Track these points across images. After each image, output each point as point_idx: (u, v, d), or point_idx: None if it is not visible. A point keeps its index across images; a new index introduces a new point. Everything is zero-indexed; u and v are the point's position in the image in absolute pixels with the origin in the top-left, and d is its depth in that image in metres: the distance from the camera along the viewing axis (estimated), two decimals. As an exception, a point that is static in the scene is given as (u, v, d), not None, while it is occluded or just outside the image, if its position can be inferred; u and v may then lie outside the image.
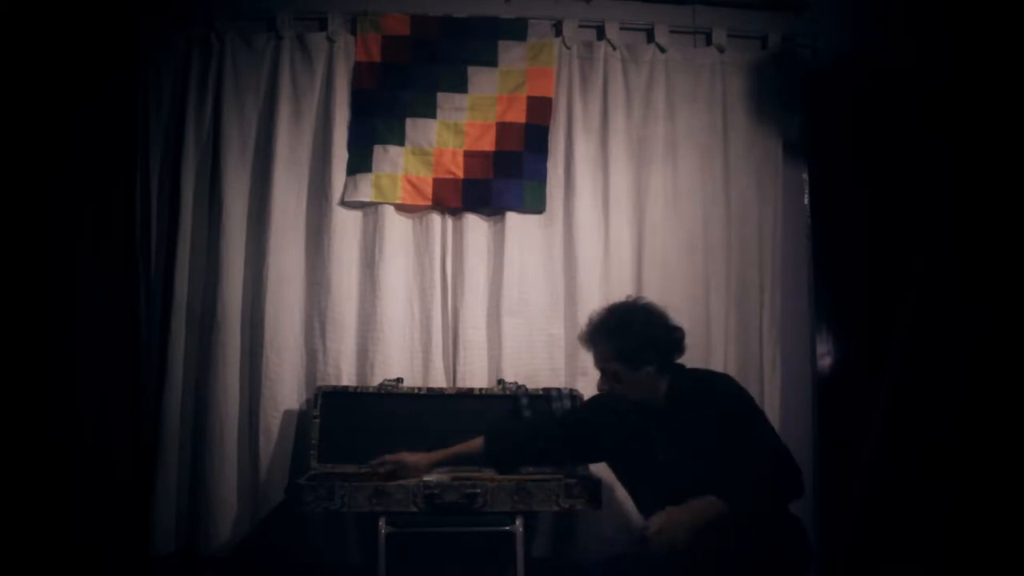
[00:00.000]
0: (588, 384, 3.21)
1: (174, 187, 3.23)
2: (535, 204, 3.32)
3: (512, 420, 3.07)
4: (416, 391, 3.13)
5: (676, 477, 2.34)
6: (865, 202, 3.17)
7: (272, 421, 3.14)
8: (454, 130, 3.34)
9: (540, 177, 3.33)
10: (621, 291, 3.29)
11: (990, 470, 2.42)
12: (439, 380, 3.22)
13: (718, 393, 2.42)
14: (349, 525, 3.07)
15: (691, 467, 2.32)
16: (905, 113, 2.94)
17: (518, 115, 3.35)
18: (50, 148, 2.90)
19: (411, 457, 2.70)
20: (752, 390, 3.31)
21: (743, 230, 3.41)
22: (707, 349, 3.32)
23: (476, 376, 3.23)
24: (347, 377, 3.19)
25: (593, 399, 2.71)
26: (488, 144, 3.34)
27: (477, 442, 2.72)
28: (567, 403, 3.12)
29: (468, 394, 3.14)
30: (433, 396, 3.12)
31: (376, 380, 3.15)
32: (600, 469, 2.92)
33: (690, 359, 3.29)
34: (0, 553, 2.59)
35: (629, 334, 2.44)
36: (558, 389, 3.16)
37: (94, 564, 2.88)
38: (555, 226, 3.33)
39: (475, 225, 3.31)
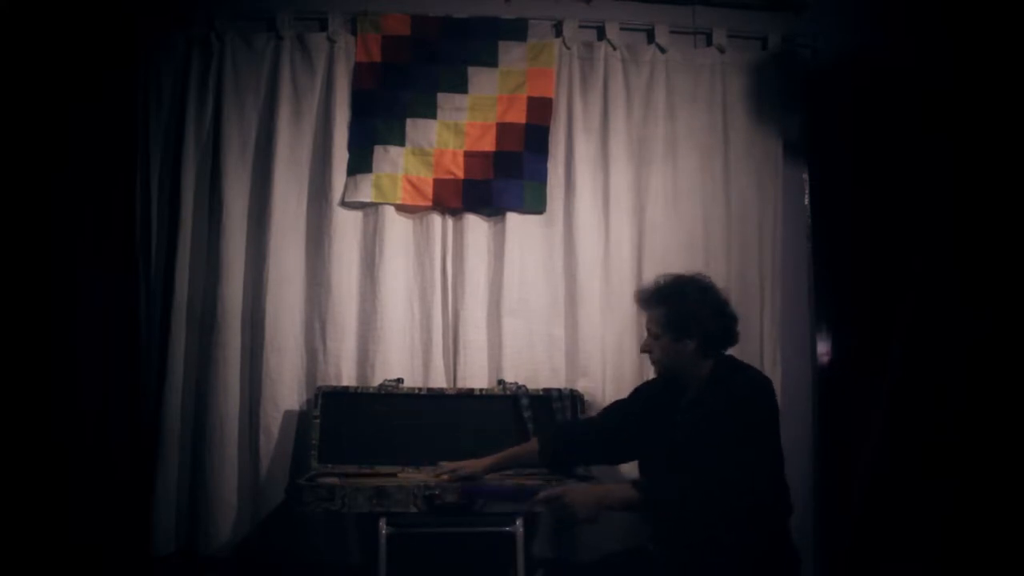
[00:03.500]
0: (588, 384, 3.22)
1: (174, 187, 3.23)
2: (535, 204, 3.32)
3: (564, 420, 3.06)
4: (416, 391, 3.13)
5: (681, 465, 2.35)
6: (865, 202, 3.17)
7: (272, 421, 3.14)
8: (454, 130, 3.34)
9: (540, 177, 3.33)
10: (621, 291, 3.30)
11: (990, 470, 2.42)
12: (439, 380, 3.22)
13: (732, 396, 2.38)
14: (349, 525, 3.07)
15: (695, 459, 2.32)
16: (905, 113, 2.94)
17: (518, 115, 3.35)
18: (50, 148, 2.90)
19: (467, 465, 2.71)
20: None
21: (743, 230, 3.41)
22: (707, 349, 3.32)
23: (476, 376, 3.23)
24: (347, 377, 3.19)
25: (636, 390, 2.73)
26: (488, 144, 3.34)
27: (531, 444, 2.74)
28: (567, 403, 3.12)
29: (468, 394, 3.14)
30: (433, 396, 3.12)
31: (376, 380, 3.15)
32: (600, 470, 2.93)
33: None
34: (0, 553, 2.59)
35: (679, 302, 2.46)
36: (558, 389, 3.17)
37: (94, 564, 2.88)
38: (555, 226, 3.33)
39: (475, 225, 3.31)
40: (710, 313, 2.47)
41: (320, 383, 3.14)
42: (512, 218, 3.30)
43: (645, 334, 2.56)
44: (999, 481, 2.39)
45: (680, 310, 2.45)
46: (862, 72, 3.24)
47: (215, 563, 3.10)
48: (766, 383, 2.43)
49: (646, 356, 2.59)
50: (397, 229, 3.28)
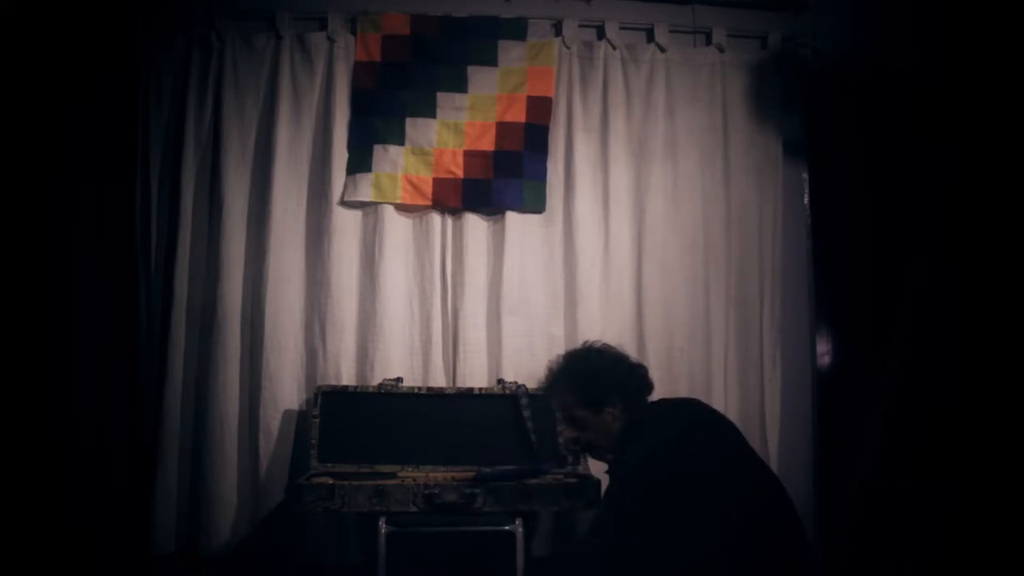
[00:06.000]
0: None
1: (174, 187, 3.23)
2: (535, 204, 3.32)
3: None
4: (416, 391, 3.13)
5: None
6: (865, 202, 3.17)
7: (272, 421, 3.14)
8: (454, 130, 3.34)
9: (540, 177, 3.33)
10: (621, 291, 3.31)
11: (990, 471, 2.41)
12: (439, 380, 3.22)
13: (645, 439, 2.26)
14: (349, 525, 3.07)
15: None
16: (905, 113, 2.94)
17: (518, 115, 3.35)
18: (50, 148, 2.90)
19: None
20: (752, 390, 3.34)
21: (743, 230, 3.41)
22: (707, 349, 3.33)
23: (476, 376, 3.23)
24: (347, 377, 3.19)
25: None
26: (488, 144, 3.34)
27: None
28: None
29: (468, 394, 3.14)
30: (433, 396, 3.12)
31: (376, 380, 3.16)
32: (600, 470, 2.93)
33: (690, 359, 3.31)
34: (0, 553, 2.59)
35: (586, 375, 2.40)
36: (558, 389, 3.16)
37: (94, 564, 2.88)
38: (555, 226, 3.33)
39: (475, 225, 3.31)
40: (622, 373, 2.41)
41: (320, 382, 3.14)
42: (512, 217, 3.30)
43: (565, 428, 2.45)
44: (999, 482, 2.39)
45: (590, 382, 2.38)
46: (862, 72, 3.23)
47: (215, 563, 3.10)
48: (680, 411, 2.34)
49: None
50: (397, 228, 3.28)
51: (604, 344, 2.51)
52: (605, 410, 2.37)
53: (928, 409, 2.63)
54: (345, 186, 3.27)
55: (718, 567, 2.10)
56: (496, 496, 2.65)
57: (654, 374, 2.60)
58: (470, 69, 3.37)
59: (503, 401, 3.12)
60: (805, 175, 3.53)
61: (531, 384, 3.16)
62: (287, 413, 3.17)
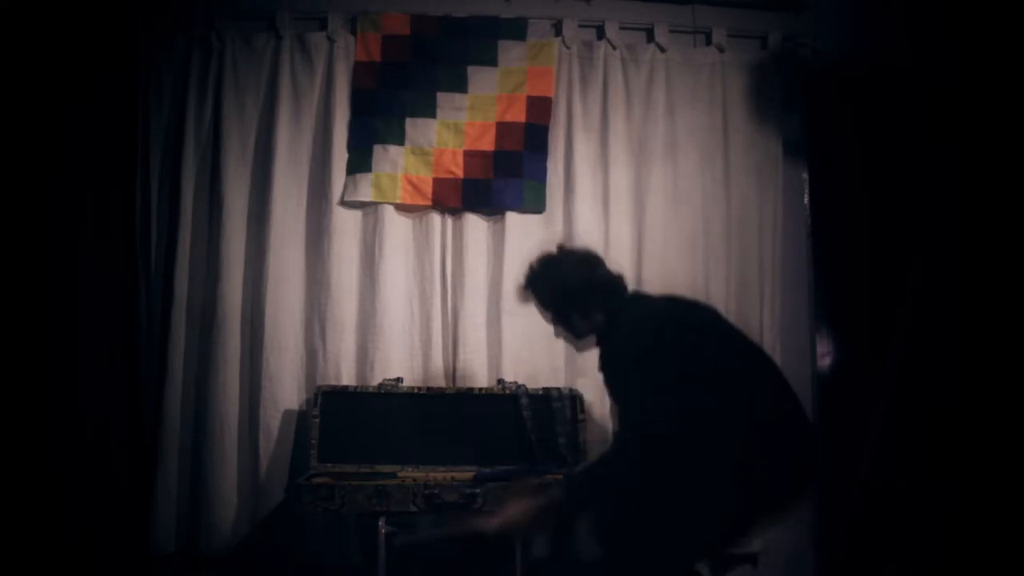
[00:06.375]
0: (588, 384, 3.21)
1: (174, 187, 3.23)
2: (535, 204, 3.32)
3: None
4: (416, 391, 3.13)
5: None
6: (865, 202, 3.16)
7: (272, 421, 3.15)
8: (454, 130, 3.34)
9: (540, 177, 3.33)
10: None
11: (990, 471, 2.41)
12: (439, 380, 3.22)
13: (615, 341, 2.36)
14: (349, 525, 3.07)
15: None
16: (905, 113, 2.93)
17: (518, 115, 3.35)
18: (50, 148, 2.90)
19: None
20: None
21: (743, 230, 3.41)
22: (707, 349, 3.32)
23: (476, 376, 3.23)
24: (347, 377, 3.19)
25: None
26: (488, 144, 3.34)
27: None
28: (567, 403, 3.12)
29: (468, 394, 3.14)
30: (433, 396, 3.12)
31: (376, 380, 3.16)
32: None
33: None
34: (0, 553, 2.59)
35: (564, 286, 2.45)
36: (558, 389, 3.17)
37: (94, 564, 2.88)
38: (555, 226, 3.33)
39: (475, 225, 3.31)
40: (594, 276, 2.46)
41: (320, 382, 3.14)
42: (512, 217, 3.30)
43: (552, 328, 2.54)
44: (1000, 482, 2.39)
45: (569, 291, 2.44)
46: (862, 72, 3.23)
47: (215, 563, 3.11)
48: (648, 313, 2.41)
49: None
50: (397, 228, 3.28)
51: (583, 247, 2.57)
52: (590, 314, 2.43)
53: (928, 409, 2.63)
54: (345, 186, 3.27)
55: (716, 421, 2.20)
56: (496, 496, 2.65)
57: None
58: (470, 69, 3.37)
59: (503, 401, 3.12)
60: (805, 175, 3.52)
61: (531, 384, 3.16)
62: (287, 413, 3.17)
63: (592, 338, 2.48)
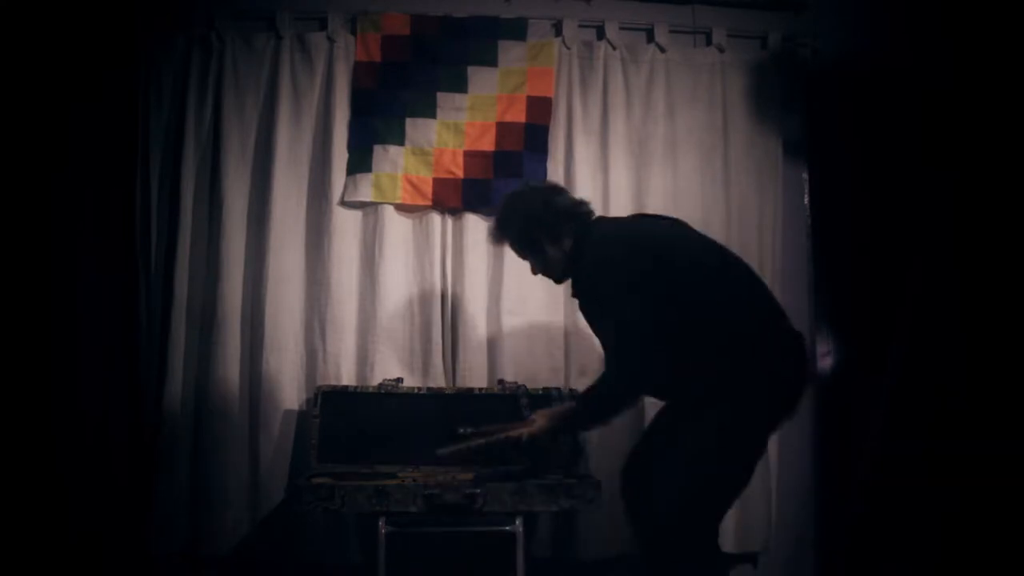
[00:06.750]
0: (588, 384, 3.20)
1: (174, 187, 3.23)
2: (535, 204, 3.31)
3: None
4: (416, 391, 3.12)
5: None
6: (865, 202, 3.17)
7: (272, 421, 3.14)
8: (454, 130, 3.34)
9: (540, 177, 3.33)
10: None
11: (990, 471, 2.42)
12: (439, 380, 3.22)
13: (585, 264, 2.42)
14: (349, 525, 3.07)
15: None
16: (905, 113, 2.94)
17: (518, 115, 3.35)
18: (50, 148, 2.90)
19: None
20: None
21: (743, 230, 3.41)
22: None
23: (476, 376, 3.23)
24: (347, 377, 3.19)
25: None
26: (488, 144, 3.34)
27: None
28: (567, 404, 3.11)
29: (468, 394, 3.13)
30: (433, 396, 3.12)
31: (376, 380, 3.15)
32: (600, 471, 2.92)
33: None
34: (0, 553, 2.59)
35: (523, 222, 2.52)
36: (558, 389, 3.17)
37: (94, 564, 2.88)
38: (555, 226, 3.32)
39: (475, 225, 3.31)
40: (557, 201, 2.53)
41: (320, 382, 3.13)
42: (512, 218, 3.29)
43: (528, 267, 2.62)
44: (999, 482, 2.39)
45: (534, 217, 2.50)
46: (862, 72, 3.24)
47: (215, 563, 3.10)
48: (616, 229, 2.49)
49: None
50: (397, 229, 3.28)
51: (545, 181, 2.69)
52: (553, 244, 2.50)
53: (928, 409, 2.64)
54: (345, 186, 3.27)
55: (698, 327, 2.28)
56: (496, 496, 2.65)
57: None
58: (470, 69, 3.37)
59: (503, 401, 3.12)
60: (805, 175, 3.52)
61: (531, 384, 3.16)
62: (287, 413, 3.17)
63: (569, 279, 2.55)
